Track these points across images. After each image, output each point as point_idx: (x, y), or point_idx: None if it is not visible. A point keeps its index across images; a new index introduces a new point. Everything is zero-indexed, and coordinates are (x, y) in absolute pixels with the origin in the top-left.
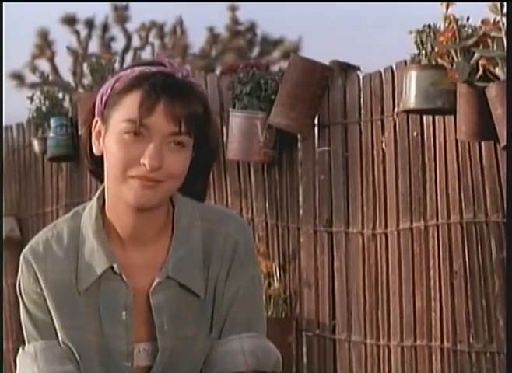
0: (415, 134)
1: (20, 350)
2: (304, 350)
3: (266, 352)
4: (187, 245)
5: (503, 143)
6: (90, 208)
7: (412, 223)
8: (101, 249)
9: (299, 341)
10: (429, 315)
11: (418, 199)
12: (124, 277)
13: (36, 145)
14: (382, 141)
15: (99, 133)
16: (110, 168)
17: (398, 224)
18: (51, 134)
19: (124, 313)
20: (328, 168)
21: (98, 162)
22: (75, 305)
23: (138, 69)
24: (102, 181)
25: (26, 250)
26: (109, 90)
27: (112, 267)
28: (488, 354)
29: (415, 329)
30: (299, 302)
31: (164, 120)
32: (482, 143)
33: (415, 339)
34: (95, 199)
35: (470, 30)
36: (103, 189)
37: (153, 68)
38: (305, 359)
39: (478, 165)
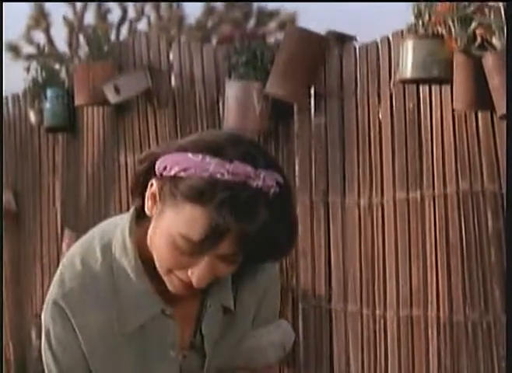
0: (411, 105)
1: None
2: (300, 320)
3: (289, 337)
4: None
5: (500, 112)
6: (124, 247)
7: (408, 194)
8: (148, 293)
9: (295, 312)
10: (425, 286)
11: (414, 169)
12: (174, 317)
13: (33, 116)
14: (378, 112)
15: (154, 196)
16: (156, 251)
17: (394, 195)
18: (48, 105)
19: (171, 352)
20: (325, 138)
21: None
22: (117, 349)
23: (210, 169)
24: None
25: (57, 297)
26: (173, 172)
27: (163, 310)
28: (484, 324)
29: (412, 300)
30: (296, 273)
31: (225, 247)
32: (479, 113)
33: (411, 310)
34: (127, 235)
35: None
36: (134, 222)
37: (225, 170)
38: (301, 330)
39: (474, 136)
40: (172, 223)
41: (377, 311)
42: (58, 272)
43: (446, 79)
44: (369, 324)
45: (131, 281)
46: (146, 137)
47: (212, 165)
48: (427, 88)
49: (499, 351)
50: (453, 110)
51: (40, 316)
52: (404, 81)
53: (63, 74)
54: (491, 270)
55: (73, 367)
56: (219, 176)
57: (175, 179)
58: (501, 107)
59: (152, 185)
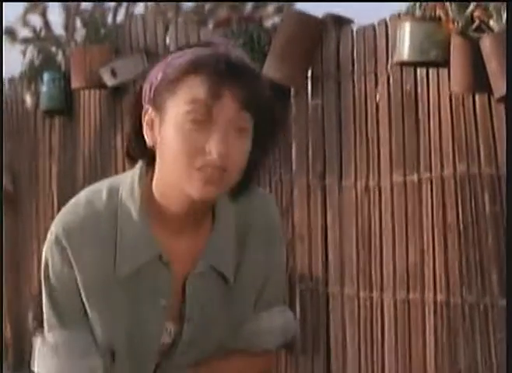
0: (408, 87)
1: (39, 337)
2: (297, 303)
3: (291, 326)
4: (225, 233)
5: (498, 95)
6: (131, 191)
7: (405, 176)
8: (148, 236)
9: (292, 295)
10: (422, 268)
11: (411, 152)
12: (170, 265)
13: (29, 99)
14: (375, 94)
15: (151, 122)
16: (169, 159)
17: (391, 178)
18: (44, 88)
19: (162, 301)
20: (321, 121)
21: (141, 148)
22: (111, 292)
23: (189, 52)
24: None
25: (58, 232)
26: (159, 76)
27: (160, 255)
28: (481, 307)
29: (409, 282)
30: (293, 256)
31: (230, 103)
32: (476, 96)
33: (408, 292)
34: (136, 182)
35: None
36: (144, 172)
37: (204, 50)
38: (298, 312)
39: (471, 118)
40: (176, 106)
41: (374, 294)
42: (64, 209)
43: (443, 62)
44: (366, 307)
45: (134, 224)
46: None
47: (192, 50)
48: (424, 70)
49: (496, 334)
50: (450, 93)
51: (37, 299)
52: (401, 64)
53: (59, 58)
54: (488, 252)
55: (67, 303)
56: (201, 53)
57: (164, 78)
58: (499, 90)
59: (146, 112)
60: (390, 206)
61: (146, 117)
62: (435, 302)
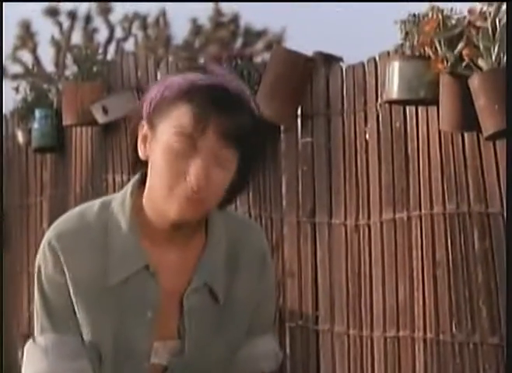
0: (398, 124)
1: (30, 340)
2: (287, 340)
3: (279, 351)
4: (218, 251)
5: (486, 133)
6: (122, 203)
7: (394, 214)
8: (136, 247)
9: (282, 332)
10: (411, 306)
11: (401, 190)
12: (157, 277)
13: (21, 136)
14: (365, 132)
15: (145, 137)
16: (155, 176)
17: (380, 215)
18: (36, 125)
19: (149, 313)
20: (311, 159)
21: (138, 161)
22: (100, 300)
23: (188, 78)
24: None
25: (51, 238)
26: (158, 96)
27: (147, 266)
28: (471, 345)
29: (398, 320)
30: (283, 293)
31: (214, 137)
32: (465, 134)
33: (398, 330)
34: (128, 194)
35: (454, 21)
36: (137, 185)
37: (204, 78)
38: (288, 350)
39: (461, 156)
40: (165, 131)
41: (364, 332)
42: (57, 220)
43: (432, 101)
44: (355, 344)
45: (123, 234)
46: None
47: (191, 76)
48: (414, 108)
49: (486, 372)
50: (439, 131)
51: (26, 336)
52: (390, 102)
53: (52, 95)
54: (478, 289)
55: (59, 307)
56: (199, 81)
57: (161, 99)
58: (487, 128)
59: (142, 127)
60: (379, 243)
61: (142, 132)
62: (424, 340)
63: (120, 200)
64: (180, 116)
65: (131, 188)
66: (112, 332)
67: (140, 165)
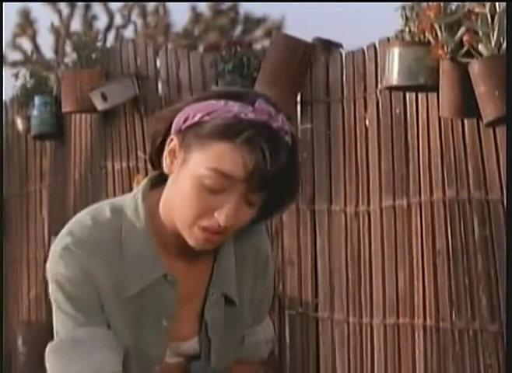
0: (397, 111)
1: (57, 340)
2: (287, 328)
3: (273, 333)
4: (229, 256)
5: (486, 120)
6: (135, 210)
7: (394, 201)
8: (154, 256)
9: (281, 320)
10: (411, 293)
11: (400, 176)
12: (175, 285)
13: (20, 124)
14: (365, 119)
15: (173, 152)
16: (177, 207)
17: (380, 202)
18: (35, 112)
19: (164, 321)
20: (311, 146)
21: (158, 163)
22: (117, 309)
23: (234, 110)
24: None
25: (69, 243)
26: (196, 118)
27: (166, 275)
28: (470, 332)
29: (398, 307)
30: (282, 281)
31: (253, 183)
32: (465, 120)
33: (397, 318)
34: (139, 201)
35: (454, 7)
36: (148, 190)
37: (249, 111)
38: (288, 337)
39: (460, 143)
40: (199, 162)
41: (364, 320)
42: (65, 229)
43: (432, 87)
44: (355, 332)
45: (139, 244)
46: (133, 144)
47: (235, 107)
48: (414, 94)
49: (486, 359)
50: (439, 117)
51: (26, 323)
52: (390, 89)
53: (51, 82)
54: (478, 277)
55: (90, 303)
56: (243, 115)
57: (199, 123)
58: (487, 114)
59: (171, 141)
60: (379, 231)
61: (170, 145)
62: (424, 327)
63: (132, 206)
64: (222, 156)
65: (141, 193)
66: (127, 338)
67: (158, 166)
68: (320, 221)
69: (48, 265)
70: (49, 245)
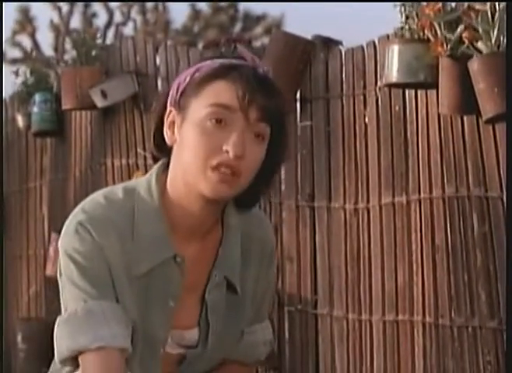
0: (397, 108)
1: (68, 312)
2: (286, 325)
3: (272, 336)
4: (234, 244)
5: (486, 117)
6: (148, 190)
7: (394, 198)
8: (165, 236)
9: (281, 316)
10: (411, 290)
11: (400, 173)
12: (182, 267)
13: (20, 120)
14: (364, 116)
15: (172, 123)
16: (186, 157)
17: (380, 199)
18: (36, 109)
19: (171, 302)
20: (310, 142)
21: (163, 149)
22: (127, 287)
23: (218, 61)
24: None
25: (84, 220)
26: (187, 79)
27: (175, 256)
28: (470, 329)
29: (397, 304)
30: (281, 277)
31: (254, 111)
32: (465, 117)
33: (397, 314)
34: (153, 182)
35: (454, 4)
36: (161, 173)
37: (235, 60)
38: (287, 334)
39: (460, 140)
40: (198, 107)
41: (363, 316)
42: (78, 207)
43: (432, 84)
44: (354, 329)
45: (151, 224)
46: (133, 141)
47: (219, 60)
48: (413, 91)
49: (485, 355)
50: (439, 114)
51: (26, 320)
52: (389, 86)
53: (51, 79)
54: (477, 274)
55: (104, 277)
56: (230, 62)
57: (191, 82)
58: (487, 111)
59: (169, 113)
60: (378, 227)
61: (169, 118)
62: (423, 324)
63: (146, 186)
64: (219, 92)
65: (155, 174)
66: (135, 317)
67: (164, 153)
68: (320, 217)
69: (61, 241)
70: (49, 242)
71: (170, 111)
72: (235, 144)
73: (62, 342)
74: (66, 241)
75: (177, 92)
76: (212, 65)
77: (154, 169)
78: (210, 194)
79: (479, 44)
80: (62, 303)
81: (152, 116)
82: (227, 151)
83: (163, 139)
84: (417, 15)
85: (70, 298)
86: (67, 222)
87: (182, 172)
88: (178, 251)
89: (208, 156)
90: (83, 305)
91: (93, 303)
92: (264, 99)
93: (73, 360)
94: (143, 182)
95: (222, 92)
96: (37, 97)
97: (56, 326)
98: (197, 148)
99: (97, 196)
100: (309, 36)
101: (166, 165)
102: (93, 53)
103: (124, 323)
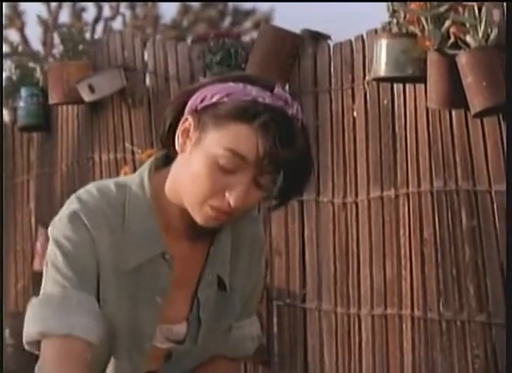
0: (385, 102)
1: (45, 295)
2: (275, 319)
3: (260, 331)
4: (226, 242)
5: (474, 111)
6: (141, 187)
7: (382, 192)
8: (155, 232)
9: (269, 310)
10: (399, 284)
11: (388, 167)
12: (171, 263)
13: (6, 115)
14: (352, 110)
15: (186, 131)
16: (189, 184)
17: (368, 193)
18: (22, 104)
19: (158, 298)
20: None
21: (167, 144)
22: (114, 281)
23: (252, 94)
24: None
25: (78, 210)
26: (214, 99)
27: (164, 253)
28: (458, 323)
29: (386, 298)
30: (270, 271)
31: (267, 166)
32: (453, 111)
33: (385, 308)
34: (146, 178)
35: None
36: (153, 168)
37: (266, 96)
38: (275, 328)
39: (448, 134)
40: (215, 142)
41: (351, 310)
42: (73, 196)
43: (420, 78)
44: (343, 322)
45: (142, 219)
46: (121, 136)
47: (254, 91)
48: (401, 85)
49: (474, 349)
50: (427, 108)
51: (14, 315)
52: (378, 80)
53: (37, 73)
54: (465, 268)
55: (88, 270)
56: (261, 99)
57: (217, 104)
58: (475, 105)
59: (185, 120)
60: (367, 221)
61: (184, 125)
62: (412, 318)
63: (138, 181)
64: (240, 138)
65: (148, 170)
66: (121, 312)
67: (168, 145)
68: (308, 211)
69: (53, 227)
70: (36, 237)
71: (187, 119)
72: (238, 197)
73: (33, 324)
74: (59, 228)
75: (200, 103)
76: (244, 97)
77: (146, 165)
78: (202, 223)
79: (467, 38)
80: (42, 284)
81: (168, 108)
82: (227, 200)
83: (170, 136)
84: (404, 14)
85: (50, 281)
86: (61, 210)
87: (181, 189)
88: (168, 248)
89: (209, 196)
90: (61, 291)
91: (72, 291)
92: (285, 152)
93: (39, 344)
94: (135, 177)
95: (243, 139)
96: (23, 92)
97: (29, 307)
98: (201, 182)
99: (90, 187)
100: (297, 31)
101: (161, 161)
102: (81, 47)
103: (100, 321)
